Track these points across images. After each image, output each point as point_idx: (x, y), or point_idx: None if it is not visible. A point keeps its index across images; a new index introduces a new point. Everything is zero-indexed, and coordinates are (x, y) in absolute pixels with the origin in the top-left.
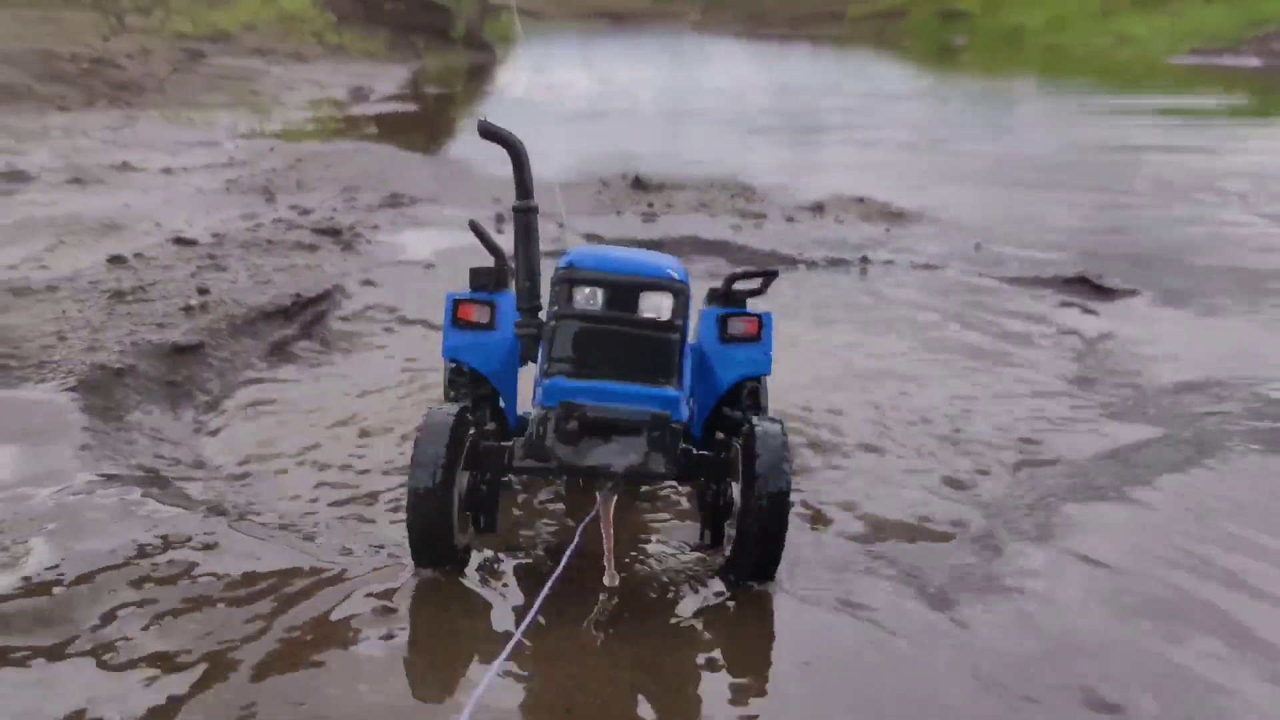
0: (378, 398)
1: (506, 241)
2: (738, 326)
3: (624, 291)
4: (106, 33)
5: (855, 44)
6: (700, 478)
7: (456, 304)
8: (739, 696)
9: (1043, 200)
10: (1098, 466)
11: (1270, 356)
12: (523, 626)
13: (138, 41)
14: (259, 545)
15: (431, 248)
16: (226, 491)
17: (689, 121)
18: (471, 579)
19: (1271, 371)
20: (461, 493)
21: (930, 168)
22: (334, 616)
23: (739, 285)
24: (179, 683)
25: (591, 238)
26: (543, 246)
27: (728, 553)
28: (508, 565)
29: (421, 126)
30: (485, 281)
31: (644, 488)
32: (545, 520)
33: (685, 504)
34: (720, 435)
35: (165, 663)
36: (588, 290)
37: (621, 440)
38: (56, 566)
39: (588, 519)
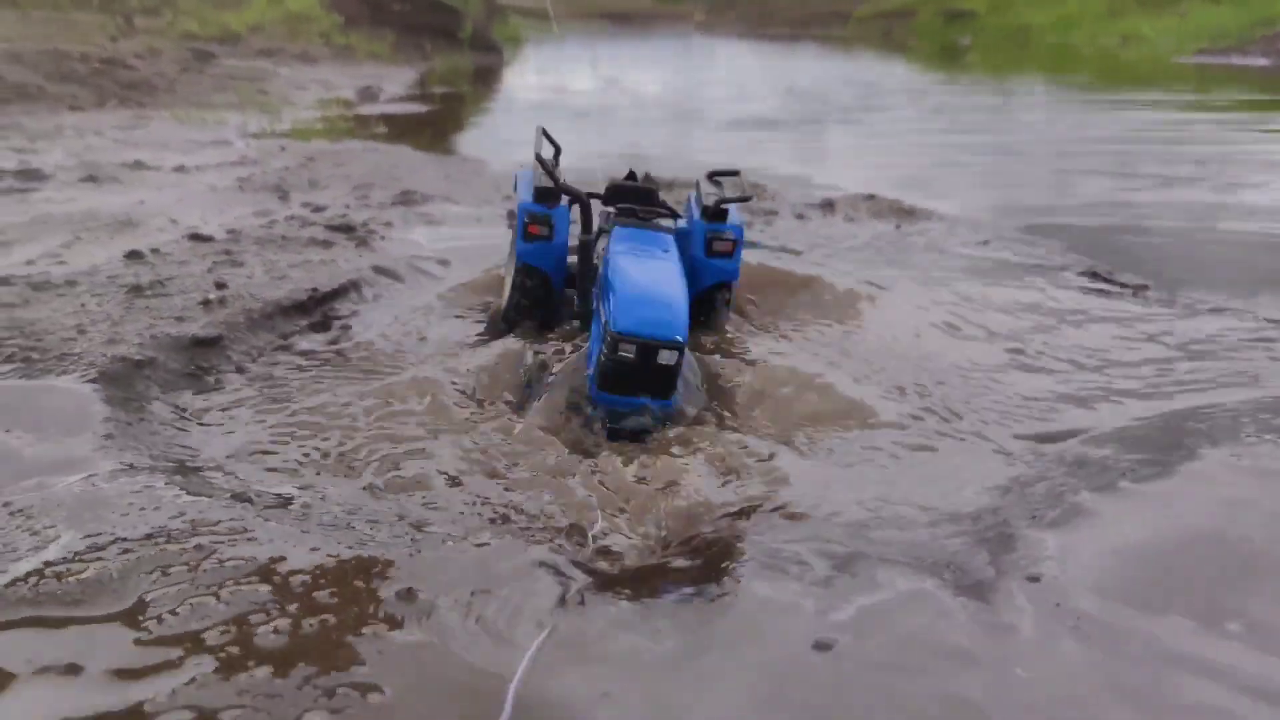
0: (398, 387)
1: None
2: (719, 245)
3: (649, 350)
4: (115, 33)
5: (861, 44)
6: None
7: (526, 222)
8: None
9: (1052, 194)
10: (1113, 456)
11: None
12: (542, 635)
13: (146, 42)
14: (285, 531)
15: (444, 244)
16: (250, 479)
17: (696, 120)
18: (494, 564)
19: None
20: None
21: (938, 164)
22: (361, 601)
23: (725, 205)
24: (207, 663)
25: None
26: None
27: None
28: (530, 553)
29: (431, 126)
30: (546, 198)
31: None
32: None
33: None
34: None
35: (194, 643)
36: (628, 345)
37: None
38: (85, 550)
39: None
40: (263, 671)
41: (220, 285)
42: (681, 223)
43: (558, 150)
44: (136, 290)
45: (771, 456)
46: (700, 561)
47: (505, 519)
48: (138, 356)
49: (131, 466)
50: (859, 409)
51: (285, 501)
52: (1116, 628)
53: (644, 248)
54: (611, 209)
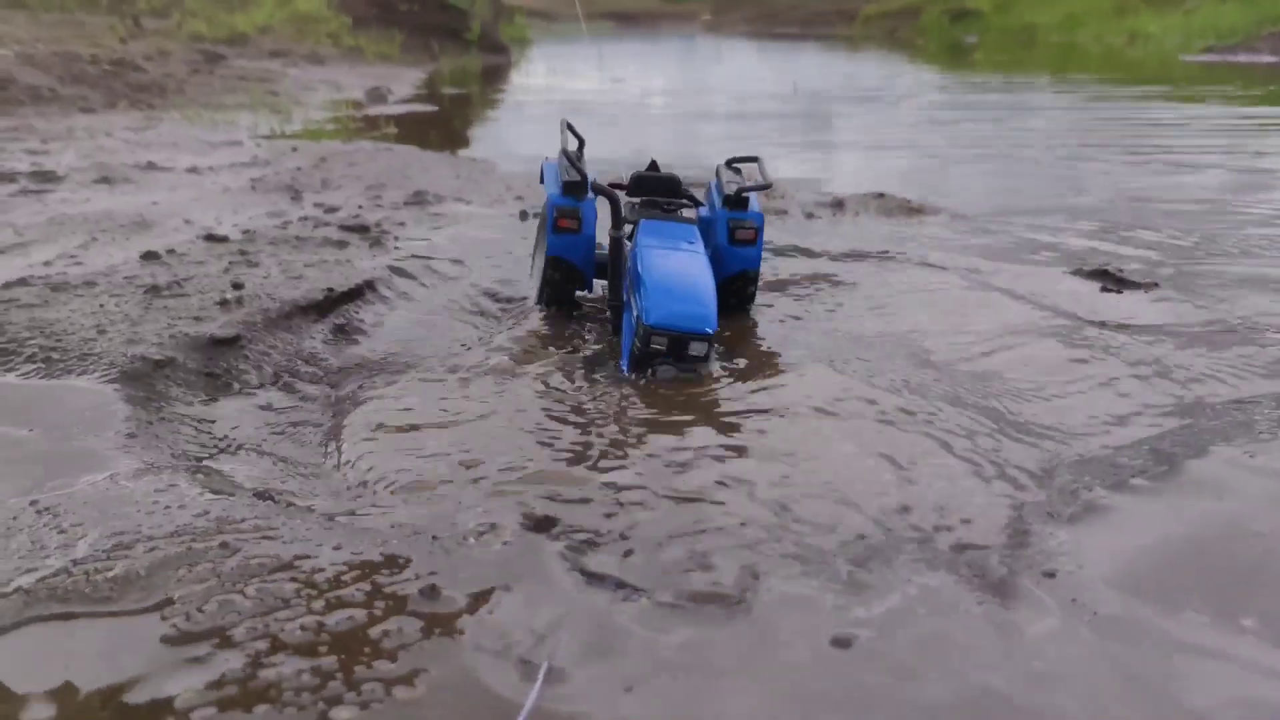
0: (419, 385)
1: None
2: (741, 233)
3: (681, 342)
4: (124, 35)
5: (867, 43)
6: None
7: (557, 216)
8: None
9: (1061, 191)
10: (1126, 453)
11: None
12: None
13: (155, 44)
14: (309, 530)
15: (458, 243)
16: (271, 478)
17: (702, 119)
18: (517, 567)
19: None
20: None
21: (946, 161)
22: (385, 597)
23: (745, 192)
24: (235, 658)
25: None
26: None
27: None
28: (550, 549)
29: (441, 127)
30: (574, 191)
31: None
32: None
33: None
34: None
35: (222, 639)
36: (660, 338)
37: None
38: (112, 548)
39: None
40: (290, 667)
41: (237, 285)
42: (704, 211)
43: (581, 143)
44: (154, 290)
45: (790, 454)
46: (716, 557)
47: (528, 516)
48: (157, 356)
49: (154, 465)
50: (873, 406)
51: (305, 499)
52: (1133, 622)
53: (671, 240)
54: (636, 201)
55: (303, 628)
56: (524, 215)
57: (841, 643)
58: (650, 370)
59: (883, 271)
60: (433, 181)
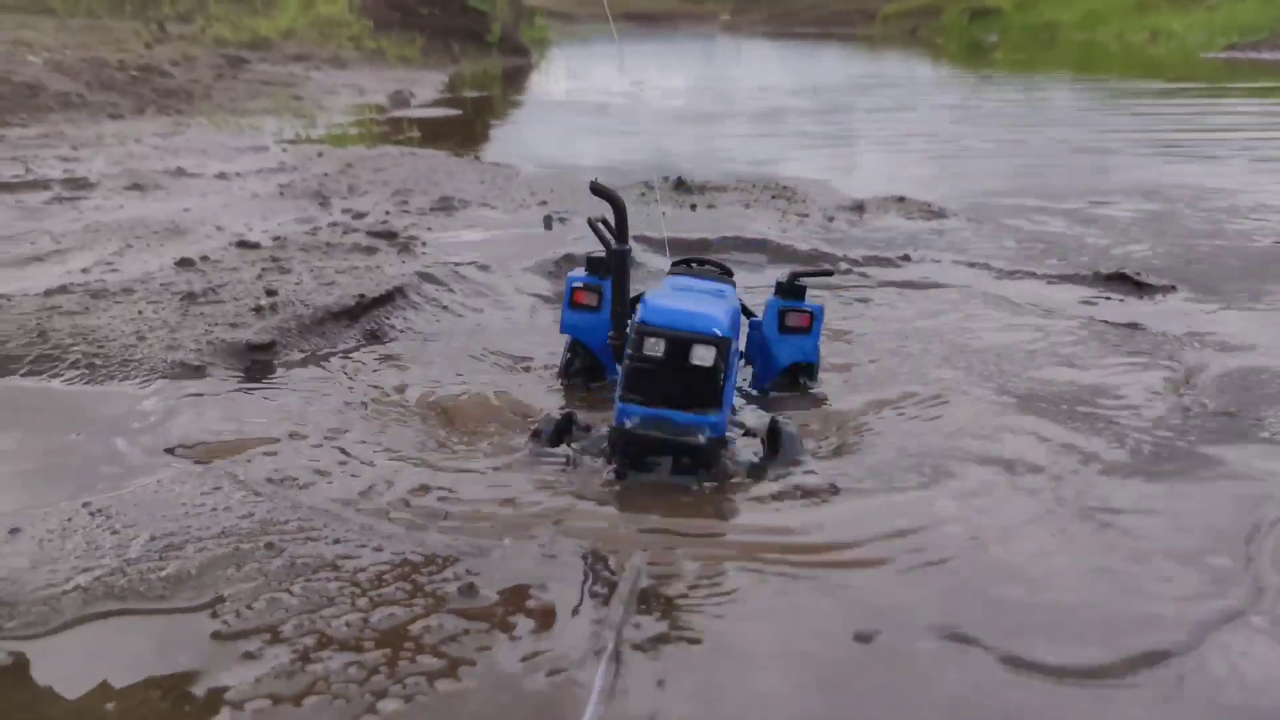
0: (454, 389)
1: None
2: (794, 319)
3: (680, 344)
4: (149, 40)
5: (887, 43)
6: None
7: (573, 291)
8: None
9: (1082, 192)
10: (1137, 459)
11: None
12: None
13: (180, 48)
14: (348, 529)
15: (484, 249)
16: (313, 480)
17: (724, 121)
18: (560, 561)
19: None
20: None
21: (967, 163)
22: (425, 595)
23: (801, 280)
24: (284, 654)
25: (641, 240)
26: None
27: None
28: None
29: (464, 130)
30: (598, 268)
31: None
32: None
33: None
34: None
35: (271, 635)
36: (653, 340)
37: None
38: (164, 548)
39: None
40: (337, 662)
41: (270, 292)
42: (756, 318)
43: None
44: (190, 297)
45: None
46: (736, 554)
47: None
48: (196, 362)
49: (200, 469)
50: (887, 419)
51: (344, 499)
52: None
53: (693, 283)
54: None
55: (348, 624)
56: (548, 221)
57: (863, 638)
58: (624, 460)
59: (908, 277)
60: (458, 187)
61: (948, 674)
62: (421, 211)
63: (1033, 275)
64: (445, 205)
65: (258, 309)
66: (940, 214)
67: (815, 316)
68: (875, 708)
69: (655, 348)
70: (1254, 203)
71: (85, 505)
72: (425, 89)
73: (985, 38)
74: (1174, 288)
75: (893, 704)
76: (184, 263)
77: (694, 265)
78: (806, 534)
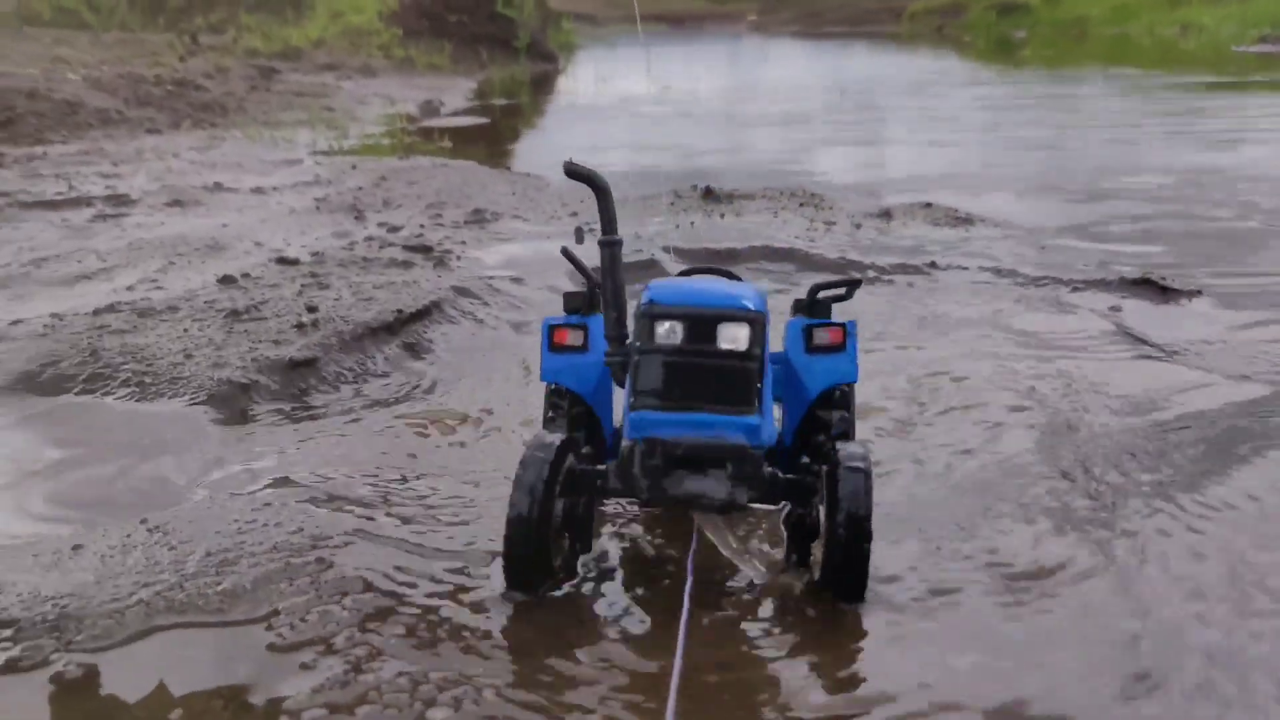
0: (490, 404)
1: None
2: (823, 336)
3: (702, 324)
4: (183, 52)
5: (914, 41)
6: (785, 500)
7: (552, 330)
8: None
9: (1113, 196)
10: (1170, 468)
11: None
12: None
13: (214, 60)
14: (393, 543)
15: (517, 262)
16: (359, 496)
17: (753, 124)
18: (595, 585)
19: None
20: (558, 517)
21: (997, 167)
22: (468, 606)
23: (823, 294)
24: (338, 665)
25: (669, 250)
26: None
27: (816, 575)
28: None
29: (494, 139)
30: (578, 305)
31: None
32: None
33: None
34: (805, 460)
35: (324, 647)
36: (668, 324)
37: (707, 472)
38: (220, 563)
39: (693, 548)
40: (388, 672)
41: (311, 308)
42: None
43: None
44: (234, 315)
45: None
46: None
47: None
48: (242, 380)
49: (249, 485)
50: (911, 419)
51: (390, 513)
52: None
53: (705, 278)
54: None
55: (396, 635)
56: (579, 234)
57: None
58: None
59: (933, 286)
60: (490, 199)
61: None
62: (455, 224)
63: (1058, 281)
64: (478, 218)
65: (299, 325)
66: (968, 220)
67: (849, 331)
68: None
69: (671, 333)
70: None
71: (143, 522)
72: (454, 97)
73: (1013, 34)
74: (1199, 292)
75: None
76: (226, 280)
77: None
78: None
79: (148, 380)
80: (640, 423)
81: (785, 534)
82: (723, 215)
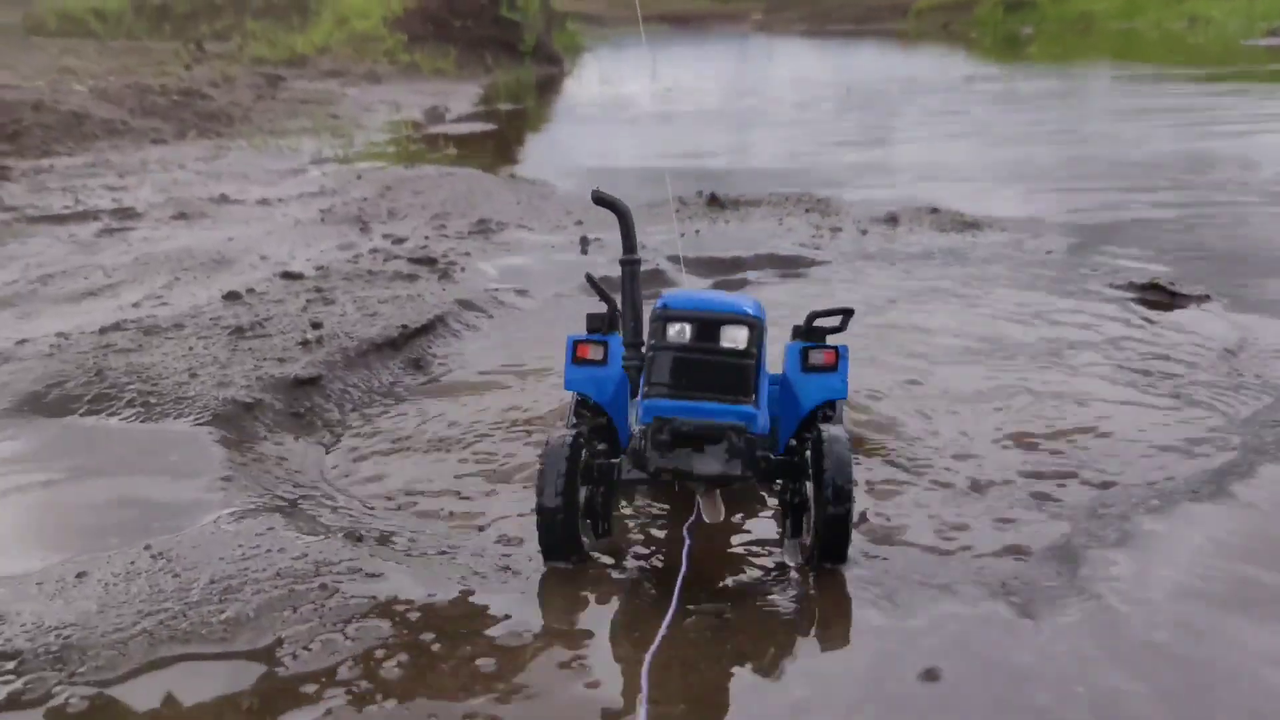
0: (494, 417)
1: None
2: (817, 358)
3: (708, 325)
4: (188, 60)
5: (921, 39)
6: (778, 479)
7: (575, 345)
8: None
9: (1120, 197)
10: (1173, 475)
11: None
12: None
13: (219, 68)
14: (398, 570)
15: (522, 274)
16: (360, 518)
17: (757, 126)
18: (596, 595)
19: None
20: (581, 504)
21: (1004, 168)
22: (472, 636)
23: (819, 322)
24: (340, 696)
25: (677, 260)
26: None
27: (807, 541)
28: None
29: (499, 146)
30: (599, 325)
31: (734, 486)
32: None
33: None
34: (793, 443)
35: (327, 677)
36: (678, 325)
37: (707, 448)
38: (223, 591)
39: (691, 519)
40: (390, 703)
41: (316, 325)
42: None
43: (611, 304)
44: (239, 332)
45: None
46: (778, 592)
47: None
48: (247, 399)
49: (252, 509)
50: (920, 433)
51: (393, 539)
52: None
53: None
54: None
55: (399, 664)
56: (584, 244)
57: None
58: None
59: (933, 292)
60: (495, 208)
61: None
62: (460, 235)
63: (1066, 286)
64: (483, 228)
65: (304, 343)
66: (974, 225)
67: (840, 354)
68: None
69: (681, 333)
70: None
71: (147, 548)
72: (460, 102)
73: (1020, 30)
74: (1208, 296)
75: None
76: (231, 296)
77: None
78: None
79: (153, 400)
80: (650, 408)
81: (780, 510)
82: (728, 222)
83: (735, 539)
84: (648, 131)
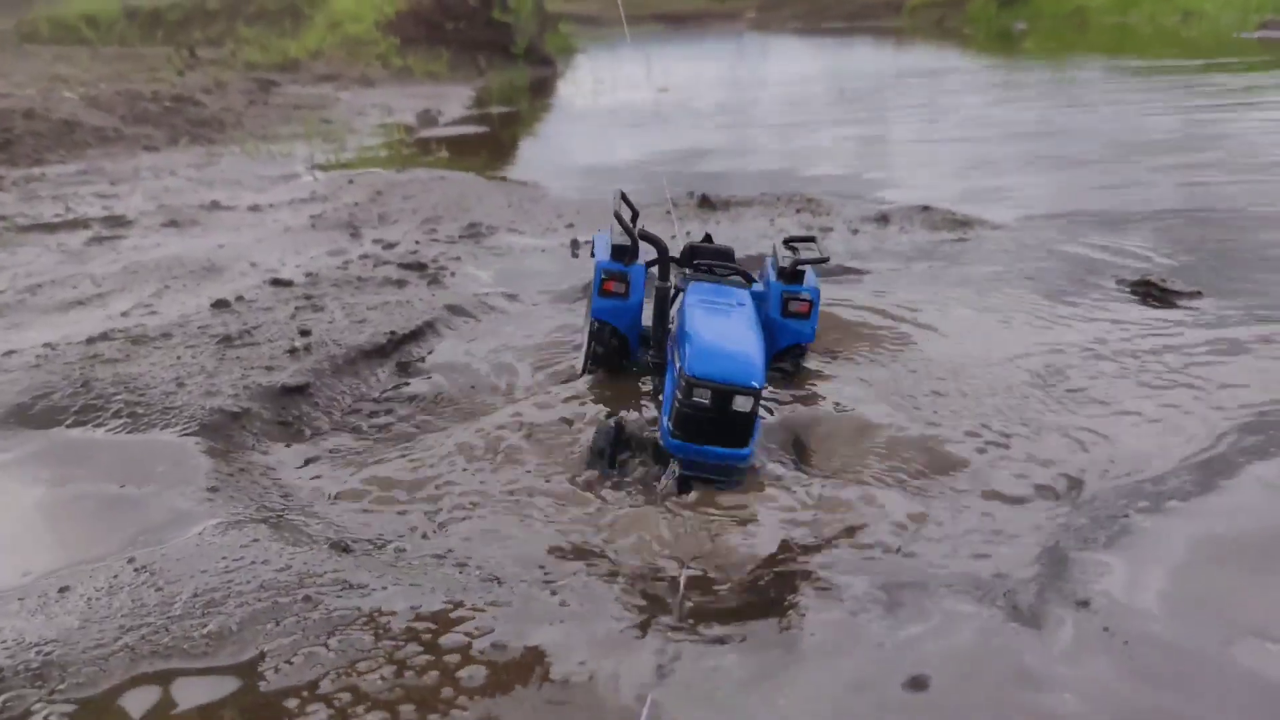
0: (480, 426)
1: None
2: (795, 305)
3: (724, 395)
4: (181, 66)
5: (915, 35)
6: None
7: (603, 279)
8: None
9: (1112, 192)
10: (1162, 477)
11: None
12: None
13: (212, 74)
14: (383, 582)
15: (511, 278)
16: (346, 528)
17: (749, 127)
18: (583, 607)
19: None
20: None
21: (995, 164)
22: (457, 650)
23: (802, 265)
24: (322, 711)
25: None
26: None
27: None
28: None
29: (491, 148)
30: (623, 255)
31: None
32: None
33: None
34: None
35: (309, 691)
36: (701, 390)
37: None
38: (206, 604)
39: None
40: (372, 716)
41: (304, 332)
42: (758, 286)
43: (635, 214)
44: (227, 340)
45: (828, 489)
46: (762, 598)
47: (584, 569)
48: (234, 409)
49: (237, 520)
50: (915, 441)
51: (379, 550)
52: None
53: (719, 300)
54: (687, 270)
55: (381, 678)
56: (574, 247)
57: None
58: (671, 476)
59: (922, 295)
60: (486, 212)
61: None
62: (450, 240)
63: (1056, 284)
64: (473, 232)
65: (292, 350)
66: (965, 223)
67: (814, 302)
68: None
69: (703, 395)
70: None
71: (130, 561)
72: (453, 105)
73: (1014, 26)
74: (1200, 293)
75: None
76: (220, 304)
77: (715, 270)
78: None
79: (140, 411)
80: (673, 448)
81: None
82: (719, 223)
83: (725, 548)
84: (640, 132)
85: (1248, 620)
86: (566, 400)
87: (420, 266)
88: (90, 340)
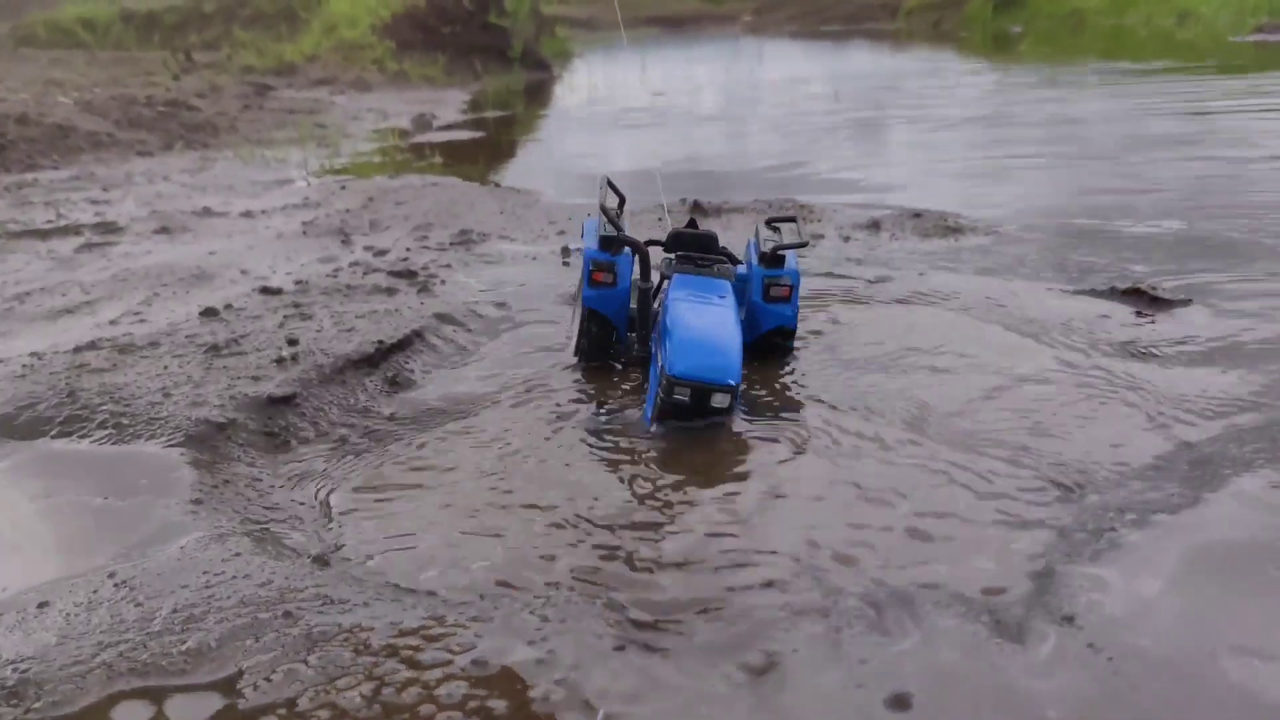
0: (467, 438)
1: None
2: (776, 290)
3: (703, 393)
4: (176, 71)
5: (912, 37)
6: None
7: (592, 270)
8: None
9: (1104, 196)
10: (1149, 489)
11: None
12: None
13: (208, 78)
14: (364, 596)
15: (502, 286)
16: (330, 543)
17: (743, 132)
18: (556, 625)
19: None
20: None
21: (992, 167)
22: (439, 665)
23: (783, 250)
24: None
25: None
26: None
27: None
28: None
29: (485, 153)
30: (610, 245)
31: None
32: None
33: None
34: None
35: (288, 709)
36: (681, 388)
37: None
38: (185, 620)
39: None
40: None
41: (292, 341)
42: (741, 269)
43: (622, 200)
44: (214, 350)
45: (818, 498)
46: (740, 610)
47: (563, 582)
48: (220, 419)
49: (219, 533)
50: (894, 446)
51: (362, 564)
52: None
53: (701, 294)
54: (672, 256)
55: (361, 695)
56: (565, 253)
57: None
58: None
59: (907, 300)
60: (478, 218)
61: None
62: (441, 247)
63: (1048, 290)
64: (465, 239)
65: (279, 360)
66: (958, 230)
67: (794, 286)
68: None
69: (683, 393)
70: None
71: (111, 576)
72: (448, 109)
73: (1010, 28)
74: (1190, 300)
75: None
76: (208, 313)
77: (698, 263)
78: None
79: (125, 422)
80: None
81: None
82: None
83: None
84: (635, 136)
85: (1234, 635)
86: (555, 407)
87: (410, 274)
88: (77, 349)
